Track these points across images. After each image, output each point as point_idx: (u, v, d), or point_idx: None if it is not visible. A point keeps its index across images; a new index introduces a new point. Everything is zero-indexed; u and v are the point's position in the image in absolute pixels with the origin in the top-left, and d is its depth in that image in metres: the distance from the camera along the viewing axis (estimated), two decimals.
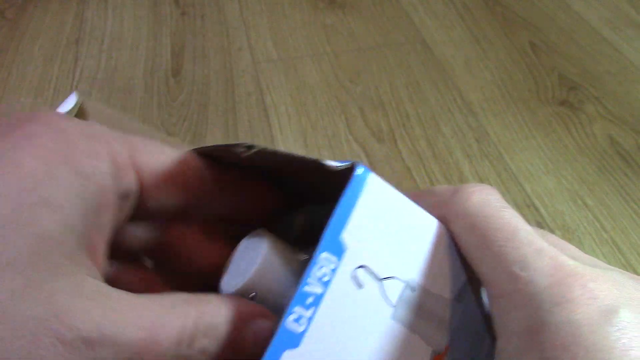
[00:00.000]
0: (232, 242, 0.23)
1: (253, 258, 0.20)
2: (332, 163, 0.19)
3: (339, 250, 0.19)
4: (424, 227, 0.21)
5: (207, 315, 0.18)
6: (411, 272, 0.20)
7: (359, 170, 0.19)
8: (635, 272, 0.49)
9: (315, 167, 0.19)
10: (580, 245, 0.51)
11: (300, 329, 0.17)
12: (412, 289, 0.20)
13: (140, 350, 0.17)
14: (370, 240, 0.20)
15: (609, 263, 0.24)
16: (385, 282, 0.20)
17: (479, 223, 0.20)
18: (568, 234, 0.52)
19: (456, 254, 0.22)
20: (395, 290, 0.20)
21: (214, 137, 0.64)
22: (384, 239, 0.20)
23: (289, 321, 0.17)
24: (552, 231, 0.53)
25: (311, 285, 0.18)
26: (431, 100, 0.69)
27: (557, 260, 0.18)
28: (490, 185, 0.57)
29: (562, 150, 0.61)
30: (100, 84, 0.73)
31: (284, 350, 0.17)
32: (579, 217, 0.54)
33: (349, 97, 0.69)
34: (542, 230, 0.22)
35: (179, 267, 0.23)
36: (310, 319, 0.18)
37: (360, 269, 0.19)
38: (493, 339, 0.21)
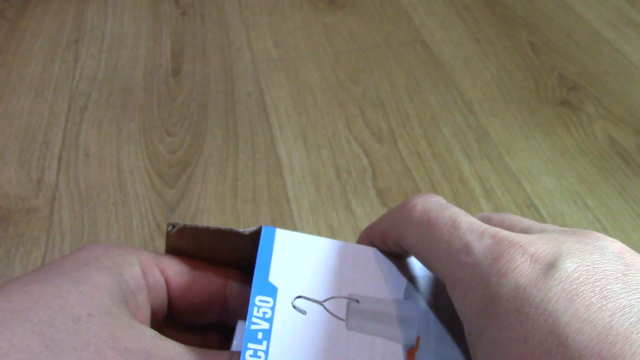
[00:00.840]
0: None
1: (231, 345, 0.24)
2: (244, 230, 0.23)
3: (271, 291, 0.22)
4: (342, 254, 0.24)
5: None
6: (347, 288, 0.23)
7: (265, 230, 0.23)
8: None
9: (234, 235, 0.23)
10: None
11: None
12: (357, 301, 0.22)
13: None
14: (296, 276, 0.22)
15: None
16: (327, 302, 0.22)
17: (425, 228, 0.21)
18: None
19: (389, 261, 0.24)
20: (340, 307, 0.22)
21: (214, 137, 0.64)
22: (307, 272, 0.23)
23: (247, 357, 0.20)
24: None
25: (256, 324, 0.21)
26: (431, 100, 0.69)
27: (497, 236, 0.19)
28: (491, 184, 0.56)
29: (562, 150, 0.61)
30: (100, 84, 0.73)
31: None
32: (579, 217, 0.54)
33: (349, 97, 0.69)
34: (498, 213, 0.23)
35: None
36: (265, 351, 0.20)
37: (298, 299, 0.22)
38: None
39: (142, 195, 0.57)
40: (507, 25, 0.82)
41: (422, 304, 0.24)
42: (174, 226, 0.24)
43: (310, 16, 0.85)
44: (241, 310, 0.26)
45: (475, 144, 0.62)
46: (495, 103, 0.68)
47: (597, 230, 0.53)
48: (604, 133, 0.64)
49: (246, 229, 0.24)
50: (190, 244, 0.25)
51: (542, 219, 0.54)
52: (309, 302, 0.22)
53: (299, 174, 0.59)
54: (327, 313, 0.22)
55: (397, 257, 0.25)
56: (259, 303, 0.21)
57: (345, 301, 0.22)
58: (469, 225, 0.20)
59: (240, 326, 0.24)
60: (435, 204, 0.22)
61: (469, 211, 0.56)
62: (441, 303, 0.24)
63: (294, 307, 0.22)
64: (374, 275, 0.23)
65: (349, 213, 0.55)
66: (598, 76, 0.72)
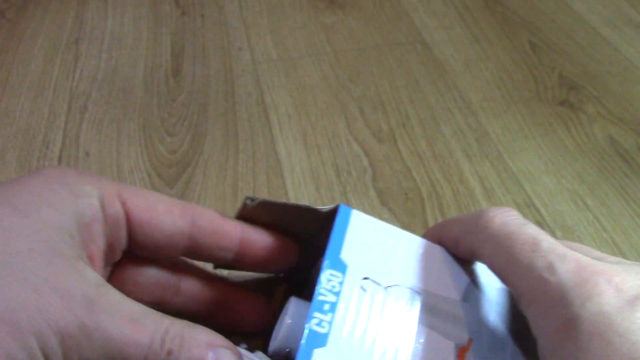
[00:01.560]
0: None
1: (281, 323, 0.24)
2: (322, 207, 0.24)
3: (342, 268, 0.23)
4: (412, 245, 0.25)
5: (177, 326, 0.22)
6: (412, 280, 0.24)
7: (343, 208, 0.24)
8: None
9: (308, 212, 0.24)
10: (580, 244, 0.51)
11: (324, 330, 0.21)
12: (419, 293, 0.24)
13: (120, 330, 0.20)
14: (365, 259, 0.23)
15: None
16: (392, 288, 0.23)
17: (503, 242, 0.22)
18: (568, 234, 0.52)
19: (454, 262, 0.25)
20: (403, 296, 0.23)
21: (214, 137, 0.64)
22: (377, 258, 0.24)
23: (313, 325, 0.21)
24: (552, 231, 0.52)
25: (324, 295, 0.22)
26: (431, 100, 0.69)
27: (581, 262, 0.20)
28: (491, 184, 0.56)
29: (562, 150, 0.61)
30: (100, 84, 0.73)
31: (313, 348, 0.20)
32: (579, 217, 0.54)
33: (349, 97, 0.69)
34: (566, 241, 0.24)
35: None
36: (330, 322, 0.21)
37: (365, 280, 0.23)
38: (518, 339, 0.25)
39: None
40: (507, 25, 0.82)
41: (477, 309, 0.25)
42: (252, 200, 0.25)
43: (310, 16, 0.85)
44: (206, 254, 0.26)
45: (475, 144, 0.62)
46: (495, 103, 0.68)
47: (597, 230, 0.53)
48: (604, 133, 0.64)
49: (323, 206, 0.24)
50: (263, 218, 0.26)
51: (542, 219, 0.54)
52: (372, 284, 0.23)
53: (299, 174, 0.59)
54: (390, 298, 0.23)
55: (461, 260, 0.26)
56: (329, 277, 0.22)
57: (406, 290, 0.23)
58: (550, 245, 0.21)
59: (293, 302, 0.24)
60: (513, 219, 0.23)
61: (469, 211, 0.56)
62: (497, 313, 0.25)
63: (361, 287, 0.23)
64: (438, 273, 0.24)
65: None
66: (598, 76, 0.72)
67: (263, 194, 0.57)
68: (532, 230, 0.22)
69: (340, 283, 0.22)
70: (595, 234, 0.52)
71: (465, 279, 0.25)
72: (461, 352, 0.23)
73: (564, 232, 0.52)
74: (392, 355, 0.22)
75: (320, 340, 0.21)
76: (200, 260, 0.27)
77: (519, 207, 0.55)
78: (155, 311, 0.22)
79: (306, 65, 0.75)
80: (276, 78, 0.73)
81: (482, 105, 0.68)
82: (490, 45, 0.78)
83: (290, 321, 0.24)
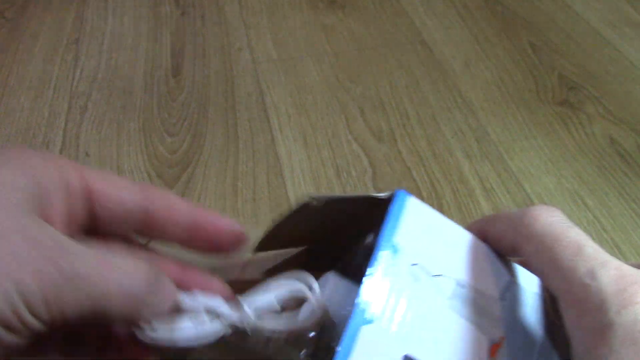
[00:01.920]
0: None
1: (314, 300, 0.25)
2: (380, 195, 0.24)
3: (394, 250, 0.23)
4: (460, 238, 0.26)
5: (152, 266, 0.23)
6: (457, 272, 0.25)
7: (400, 193, 0.24)
8: None
9: (364, 200, 0.25)
10: None
11: None
12: (462, 286, 0.24)
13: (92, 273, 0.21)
14: (417, 246, 0.24)
15: None
16: (437, 278, 0.24)
17: (548, 242, 0.23)
18: None
19: (496, 260, 0.26)
20: (447, 286, 0.24)
21: (214, 137, 0.64)
22: (428, 245, 0.24)
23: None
24: None
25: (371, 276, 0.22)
26: (431, 100, 0.69)
27: (621, 270, 0.21)
28: (491, 184, 0.56)
29: (562, 150, 0.61)
30: (100, 84, 0.73)
31: (360, 325, 0.21)
32: (579, 217, 0.54)
33: (349, 97, 0.69)
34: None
35: None
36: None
37: (414, 266, 0.23)
38: (546, 344, 0.25)
39: None
40: (507, 26, 0.82)
41: (512, 308, 0.25)
42: (316, 198, 0.25)
43: (310, 16, 0.85)
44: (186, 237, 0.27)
45: (475, 144, 0.62)
46: (495, 103, 0.68)
47: (597, 230, 0.53)
48: (604, 133, 0.64)
49: (381, 193, 0.25)
50: (320, 216, 0.27)
51: None
52: (420, 271, 0.24)
53: (299, 174, 0.59)
54: (434, 287, 0.23)
55: (502, 259, 0.26)
56: (382, 257, 0.23)
57: (451, 282, 0.24)
58: (594, 251, 0.22)
59: (332, 278, 0.24)
60: (558, 220, 0.23)
61: (469, 211, 0.56)
62: (530, 315, 0.26)
63: (409, 272, 0.23)
64: (481, 269, 0.25)
65: None
66: (598, 76, 0.72)
67: (263, 194, 0.57)
68: (576, 234, 0.23)
69: (392, 266, 0.23)
70: (595, 234, 0.52)
71: (504, 278, 0.26)
72: (493, 348, 0.24)
73: None
74: (430, 341, 0.23)
75: (367, 318, 0.22)
76: (154, 238, 0.28)
77: (518, 207, 0.55)
78: (126, 255, 0.23)
79: (306, 65, 0.75)
80: (276, 78, 0.73)
81: (482, 105, 0.68)
82: (490, 45, 0.78)
83: (327, 298, 0.24)
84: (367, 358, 0.21)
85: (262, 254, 0.31)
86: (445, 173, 0.59)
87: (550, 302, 0.26)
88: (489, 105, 0.68)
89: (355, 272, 0.24)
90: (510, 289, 0.26)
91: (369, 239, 0.25)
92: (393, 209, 0.24)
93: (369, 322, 0.21)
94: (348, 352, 0.21)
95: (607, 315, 0.20)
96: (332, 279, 0.25)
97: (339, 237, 0.29)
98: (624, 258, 0.50)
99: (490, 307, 0.25)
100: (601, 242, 0.52)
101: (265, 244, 0.31)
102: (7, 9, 0.88)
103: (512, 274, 0.26)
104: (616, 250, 0.51)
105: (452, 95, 0.70)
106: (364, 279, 0.22)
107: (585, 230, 0.52)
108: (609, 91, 0.70)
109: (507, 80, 0.72)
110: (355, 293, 0.22)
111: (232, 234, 0.27)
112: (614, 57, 0.75)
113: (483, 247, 0.26)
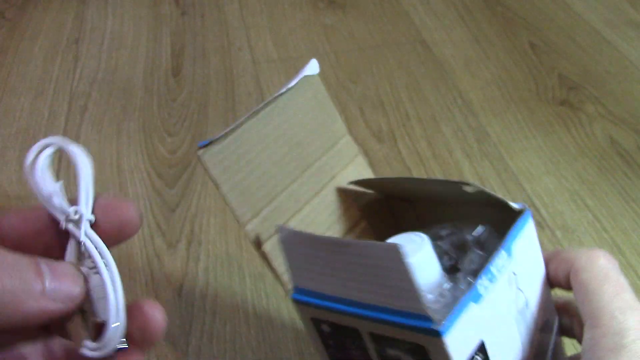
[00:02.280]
0: None
1: (413, 249, 0.29)
2: (513, 204, 0.30)
3: (509, 254, 0.29)
4: (540, 267, 0.32)
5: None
6: (529, 293, 0.30)
7: (527, 212, 0.30)
8: (635, 272, 0.49)
9: (495, 203, 0.30)
10: (580, 245, 0.51)
11: (482, 292, 0.27)
12: (527, 307, 0.30)
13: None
14: (521, 259, 0.29)
15: None
16: (519, 291, 0.29)
17: (600, 277, 0.29)
18: (568, 234, 0.52)
19: (549, 295, 0.32)
20: (520, 301, 0.30)
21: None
22: (525, 262, 0.30)
23: (479, 284, 0.26)
24: (552, 231, 0.52)
25: (493, 267, 0.27)
26: (431, 100, 0.69)
27: None
28: (491, 184, 0.56)
29: (562, 150, 0.61)
30: (100, 84, 0.73)
31: (469, 302, 0.26)
32: (579, 217, 0.54)
33: (349, 97, 0.69)
34: None
35: None
36: (487, 288, 0.27)
37: (513, 275, 0.29)
38: None
39: (142, 195, 0.57)
40: (508, 26, 0.82)
41: (544, 342, 0.32)
42: (472, 185, 0.30)
43: (310, 16, 0.85)
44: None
45: (475, 144, 0.62)
46: (495, 103, 0.68)
47: (597, 230, 0.53)
48: (604, 133, 0.64)
49: (514, 203, 0.30)
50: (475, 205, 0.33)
51: (542, 219, 0.54)
52: (515, 283, 0.29)
53: None
54: (514, 297, 0.29)
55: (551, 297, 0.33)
56: (501, 255, 0.28)
57: (524, 299, 0.30)
58: (631, 297, 0.28)
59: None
60: (615, 267, 0.30)
61: None
62: (550, 351, 0.32)
63: (509, 278, 0.28)
64: (541, 298, 0.31)
65: None
66: (598, 76, 0.72)
67: None
68: (623, 282, 0.29)
69: (503, 266, 0.28)
70: (595, 234, 0.52)
71: (551, 314, 0.32)
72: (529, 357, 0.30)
73: (564, 232, 0.52)
74: (494, 338, 0.28)
75: (477, 298, 0.26)
76: None
77: None
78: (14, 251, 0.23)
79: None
80: (276, 78, 0.73)
81: (482, 105, 0.68)
82: (490, 45, 0.78)
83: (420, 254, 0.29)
84: (464, 329, 0.25)
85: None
86: (445, 173, 0.59)
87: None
88: (489, 105, 0.68)
89: (443, 241, 0.31)
90: (547, 325, 0.32)
91: (480, 230, 0.31)
92: (520, 221, 0.30)
93: (477, 301, 0.26)
94: (454, 320, 0.25)
95: (622, 341, 0.26)
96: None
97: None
98: (624, 259, 0.50)
99: (532, 332, 0.30)
100: (601, 242, 0.52)
101: (366, 183, 0.38)
102: (7, 9, 0.88)
103: (553, 313, 0.33)
104: (617, 250, 0.51)
105: (452, 95, 0.70)
106: (485, 269, 0.27)
107: (585, 230, 0.52)
108: (609, 91, 0.70)
109: (507, 80, 0.72)
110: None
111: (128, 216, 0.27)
112: (614, 57, 0.75)
113: (546, 281, 0.32)
